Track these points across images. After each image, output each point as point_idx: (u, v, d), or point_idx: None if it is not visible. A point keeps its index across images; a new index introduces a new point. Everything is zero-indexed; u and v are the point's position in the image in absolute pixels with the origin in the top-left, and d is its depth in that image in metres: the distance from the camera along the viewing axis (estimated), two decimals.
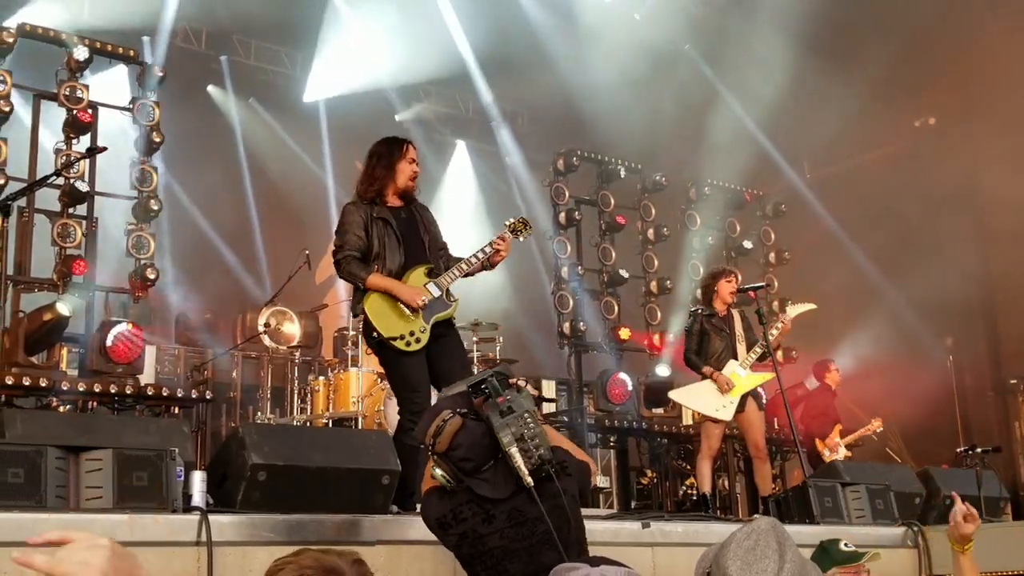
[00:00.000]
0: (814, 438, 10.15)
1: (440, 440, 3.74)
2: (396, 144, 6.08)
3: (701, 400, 8.26)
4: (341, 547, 2.04)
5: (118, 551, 1.60)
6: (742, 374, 8.20)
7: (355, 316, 6.13)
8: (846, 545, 4.58)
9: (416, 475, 5.05)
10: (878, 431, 11.36)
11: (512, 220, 6.23)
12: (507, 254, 6.00)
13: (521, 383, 3.82)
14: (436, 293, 5.78)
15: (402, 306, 5.72)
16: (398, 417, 5.86)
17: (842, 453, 10.42)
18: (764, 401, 8.51)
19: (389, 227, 5.83)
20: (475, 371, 6.80)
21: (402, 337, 5.70)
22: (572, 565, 2.76)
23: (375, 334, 5.74)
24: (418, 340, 5.72)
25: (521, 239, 6.22)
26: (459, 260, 5.98)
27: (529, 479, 3.59)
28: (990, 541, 6.04)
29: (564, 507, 3.70)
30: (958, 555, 3.94)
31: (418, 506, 4.29)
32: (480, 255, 5.93)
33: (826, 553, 4.60)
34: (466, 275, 5.98)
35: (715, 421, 8.27)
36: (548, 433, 3.81)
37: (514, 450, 3.62)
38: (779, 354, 9.37)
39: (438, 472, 3.78)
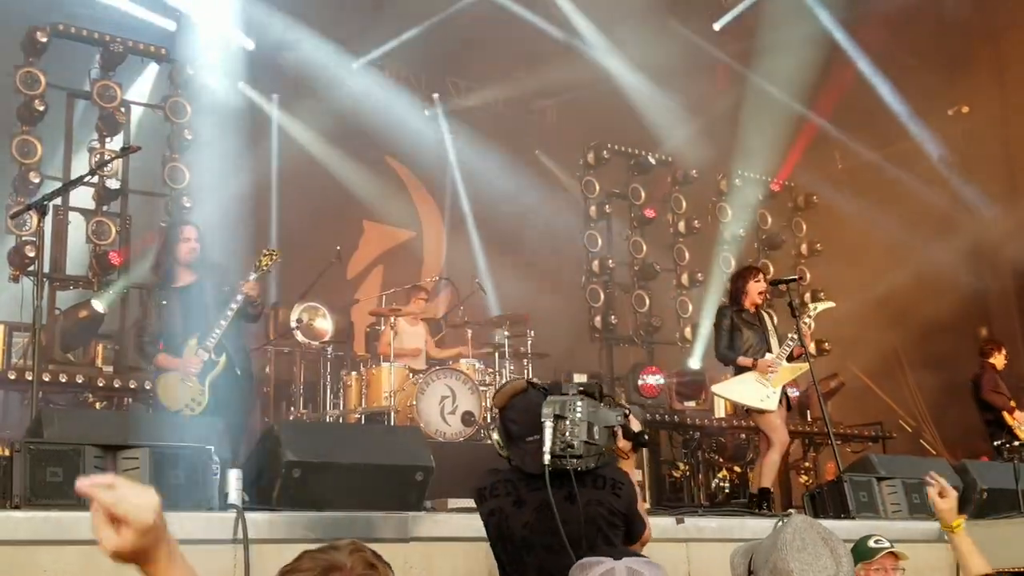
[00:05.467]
0: (1001, 411, 9.98)
1: (499, 395, 3.71)
2: (173, 228, 7.16)
3: (744, 392, 8.14)
4: (343, 540, 2.02)
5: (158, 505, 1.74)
6: (780, 365, 8.11)
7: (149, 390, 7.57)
8: (876, 541, 4.54)
9: None
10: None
11: (261, 256, 6.96)
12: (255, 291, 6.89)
13: (625, 407, 3.74)
14: (204, 357, 6.67)
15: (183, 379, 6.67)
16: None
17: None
18: (791, 397, 8.43)
19: (175, 307, 6.80)
20: None
21: (187, 406, 6.65)
22: (596, 559, 2.73)
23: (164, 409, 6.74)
24: (199, 403, 6.67)
25: (267, 269, 6.97)
26: (224, 313, 6.71)
27: (547, 458, 3.43)
28: None
29: (596, 519, 3.55)
30: (952, 536, 3.88)
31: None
32: (233, 306, 6.71)
33: (855, 549, 4.58)
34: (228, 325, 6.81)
35: (761, 412, 8.15)
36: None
37: (548, 424, 3.47)
38: (811, 347, 9.27)
39: (494, 435, 3.70)
